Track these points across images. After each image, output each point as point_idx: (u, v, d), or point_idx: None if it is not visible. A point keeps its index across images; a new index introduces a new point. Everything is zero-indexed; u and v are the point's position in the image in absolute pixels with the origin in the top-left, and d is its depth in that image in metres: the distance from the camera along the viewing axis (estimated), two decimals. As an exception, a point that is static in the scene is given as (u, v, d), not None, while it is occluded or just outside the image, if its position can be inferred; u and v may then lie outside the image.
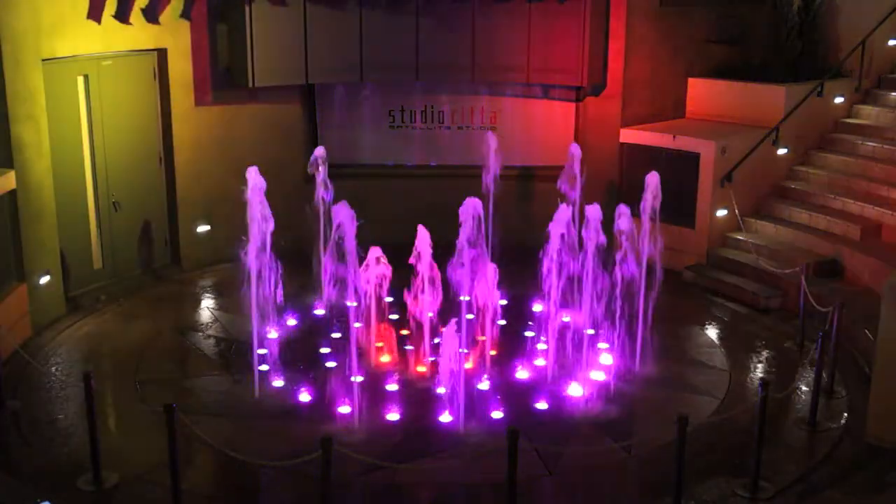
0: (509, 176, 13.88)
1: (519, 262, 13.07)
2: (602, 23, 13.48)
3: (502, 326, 10.60)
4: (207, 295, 12.53)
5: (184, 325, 11.40)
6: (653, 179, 9.98)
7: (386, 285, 9.68)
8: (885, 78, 14.44)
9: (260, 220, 9.19)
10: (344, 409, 8.97)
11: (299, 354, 10.27)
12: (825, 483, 7.99)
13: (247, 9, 12.79)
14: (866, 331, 10.05)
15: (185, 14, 12.50)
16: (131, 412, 8.95)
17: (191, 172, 13.10)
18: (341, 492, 7.61)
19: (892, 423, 8.42)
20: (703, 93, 14.23)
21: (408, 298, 9.75)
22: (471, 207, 8.78)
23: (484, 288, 9.55)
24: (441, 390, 9.05)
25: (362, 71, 13.70)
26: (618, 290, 9.72)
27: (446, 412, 8.86)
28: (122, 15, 11.71)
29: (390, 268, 9.50)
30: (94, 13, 11.42)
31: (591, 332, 10.15)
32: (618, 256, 9.59)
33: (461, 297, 9.16)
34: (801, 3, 14.13)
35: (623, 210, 9.53)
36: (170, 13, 12.39)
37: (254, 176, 9.39)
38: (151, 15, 12.10)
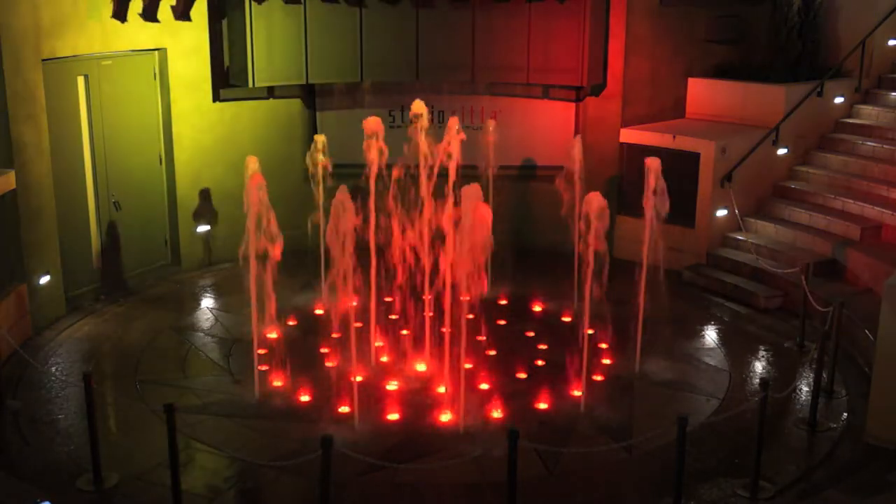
0: (509, 176, 13.88)
1: (518, 263, 13.13)
2: (602, 23, 13.48)
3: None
4: (207, 295, 12.53)
5: (184, 325, 11.40)
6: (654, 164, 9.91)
7: None
8: (885, 78, 14.44)
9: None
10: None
11: (299, 353, 10.28)
12: (825, 483, 7.98)
13: (247, 9, 12.79)
14: (866, 331, 10.06)
15: (183, 16, 12.52)
16: (131, 412, 8.95)
17: (191, 172, 13.11)
18: (340, 492, 7.62)
19: (892, 423, 8.42)
20: (703, 93, 14.23)
21: None
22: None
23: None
24: None
25: (362, 71, 13.70)
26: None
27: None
28: (121, 14, 11.74)
29: None
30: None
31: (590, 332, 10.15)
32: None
33: None
34: (801, 3, 14.13)
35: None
36: (170, 13, 12.40)
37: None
38: (150, 14, 12.12)
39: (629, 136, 13.65)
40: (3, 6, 10.26)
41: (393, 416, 9.00)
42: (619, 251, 13.26)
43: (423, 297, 10.14)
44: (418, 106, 10.59)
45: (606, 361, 10.21)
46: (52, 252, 11.25)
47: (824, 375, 9.34)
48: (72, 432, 8.70)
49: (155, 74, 12.71)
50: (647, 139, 13.46)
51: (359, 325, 9.73)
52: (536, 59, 13.52)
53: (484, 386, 9.54)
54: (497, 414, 9.00)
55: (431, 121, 10.95)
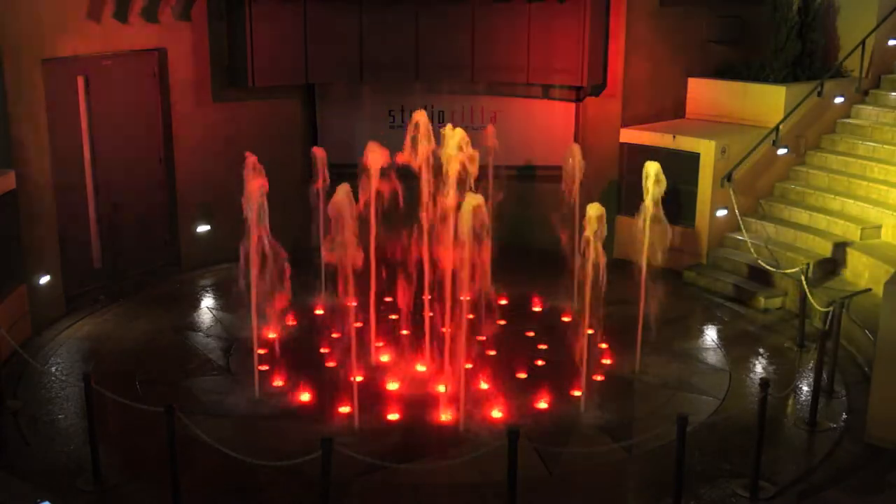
0: (509, 176, 13.87)
1: (518, 262, 13.13)
2: (602, 23, 13.48)
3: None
4: (207, 295, 12.53)
5: (184, 325, 11.40)
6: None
7: None
8: (885, 78, 14.44)
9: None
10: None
11: (299, 353, 10.27)
12: (825, 483, 7.98)
13: (247, 9, 12.79)
14: (866, 331, 10.06)
15: (183, 16, 12.53)
16: (131, 412, 8.95)
17: (191, 172, 13.10)
18: (340, 492, 7.62)
19: (892, 423, 8.42)
20: (703, 93, 14.23)
21: None
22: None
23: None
24: None
25: (362, 71, 13.71)
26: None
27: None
28: (121, 14, 11.74)
29: None
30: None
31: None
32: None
33: None
34: (801, 3, 14.13)
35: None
36: (170, 13, 12.40)
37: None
38: (150, 14, 12.11)
39: (629, 136, 13.65)
40: (3, 6, 10.26)
41: (393, 416, 9.00)
42: (619, 251, 13.26)
43: (423, 297, 10.13)
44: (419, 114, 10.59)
45: (606, 361, 10.21)
46: (52, 252, 11.25)
47: (824, 375, 9.34)
48: (72, 432, 8.71)
49: (155, 74, 12.70)
50: (647, 139, 13.46)
51: (359, 324, 9.73)
52: (536, 59, 13.52)
53: (484, 385, 9.54)
54: (497, 413, 9.00)
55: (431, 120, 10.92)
